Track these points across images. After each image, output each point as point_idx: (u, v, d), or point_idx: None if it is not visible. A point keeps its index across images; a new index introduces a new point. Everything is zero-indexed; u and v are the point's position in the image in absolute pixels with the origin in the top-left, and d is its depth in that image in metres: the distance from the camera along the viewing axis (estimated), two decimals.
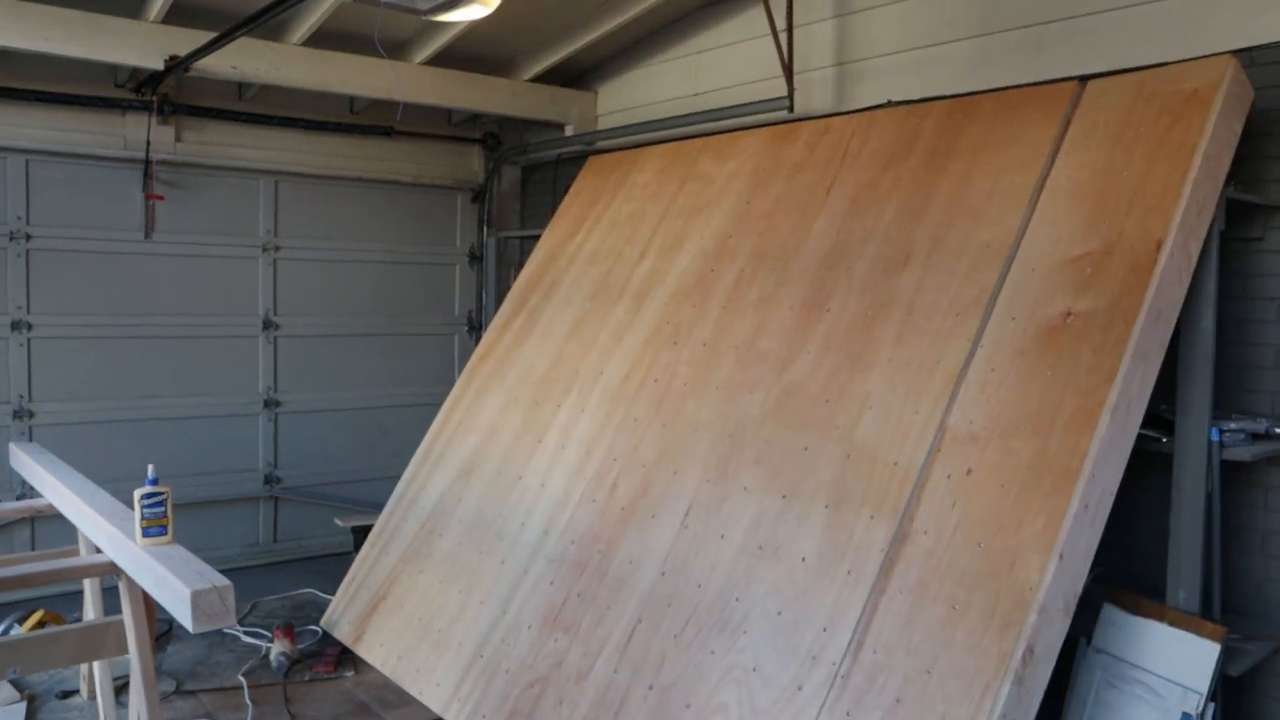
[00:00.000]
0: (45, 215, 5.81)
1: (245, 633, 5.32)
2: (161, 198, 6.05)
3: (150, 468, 3.19)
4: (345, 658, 4.96)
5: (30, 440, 5.79)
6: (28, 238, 5.76)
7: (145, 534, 3.14)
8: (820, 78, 5.24)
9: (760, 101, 5.25)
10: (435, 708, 4.31)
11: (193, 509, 6.29)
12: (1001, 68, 4.52)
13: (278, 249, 6.54)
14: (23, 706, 4.41)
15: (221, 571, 6.39)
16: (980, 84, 4.41)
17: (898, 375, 3.69)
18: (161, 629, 5.35)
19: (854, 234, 4.22)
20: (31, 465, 4.35)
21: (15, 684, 4.51)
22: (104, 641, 3.46)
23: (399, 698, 4.54)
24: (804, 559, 3.49)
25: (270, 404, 6.54)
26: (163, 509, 3.16)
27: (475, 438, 5.29)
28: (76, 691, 4.57)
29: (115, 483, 6.15)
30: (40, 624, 4.90)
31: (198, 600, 2.75)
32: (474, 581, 4.64)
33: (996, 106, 4.12)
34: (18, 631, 4.88)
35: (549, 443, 4.86)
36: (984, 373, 3.46)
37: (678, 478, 4.14)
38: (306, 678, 4.80)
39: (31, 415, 5.82)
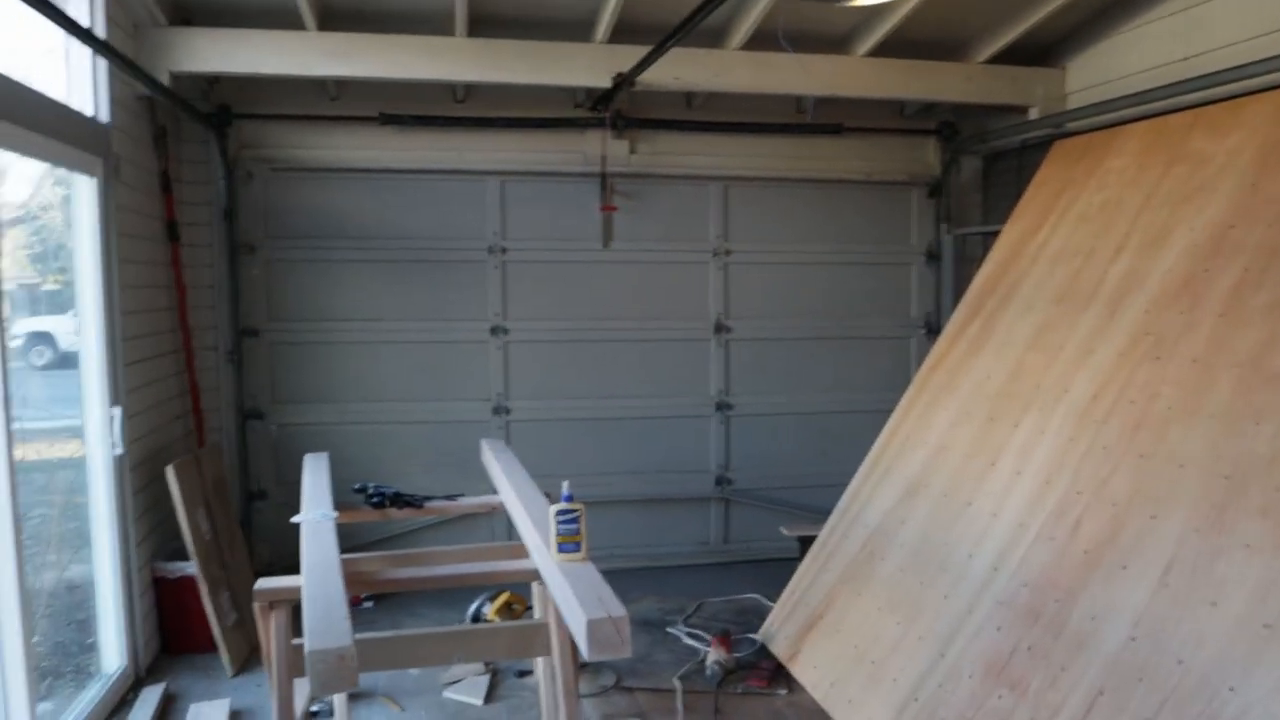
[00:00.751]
0: (517, 230, 6.21)
1: (687, 634, 5.29)
2: (616, 208, 6.22)
3: (565, 484, 3.13)
4: (779, 674, 4.72)
5: (506, 433, 6.23)
6: (503, 251, 6.19)
7: (560, 549, 3.08)
8: None
9: (1273, 58, 4.21)
10: None
11: (649, 505, 6.43)
12: None
13: (728, 253, 6.47)
14: (486, 679, 4.69)
15: (672, 568, 6.44)
16: None
17: None
18: None
19: None
20: (491, 463, 4.58)
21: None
22: (533, 642, 3.48)
23: None
24: None
25: (722, 406, 6.51)
26: (575, 526, 3.09)
27: (923, 454, 4.81)
28: (530, 672, 4.77)
29: (577, 476, 6.45)
30: (506, 605, 5.20)
31: (593, 630, 2.60)
32: (914, 613, 4.18)
33: None
34: (487, 610, 5.23)
35: (1003, 466, 4.26)
36: None
37: (1156, 523, 3.38)
38: (739, 690, 4.63)
39: (508, 411, 6.25)
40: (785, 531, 5.67)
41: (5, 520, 3.59)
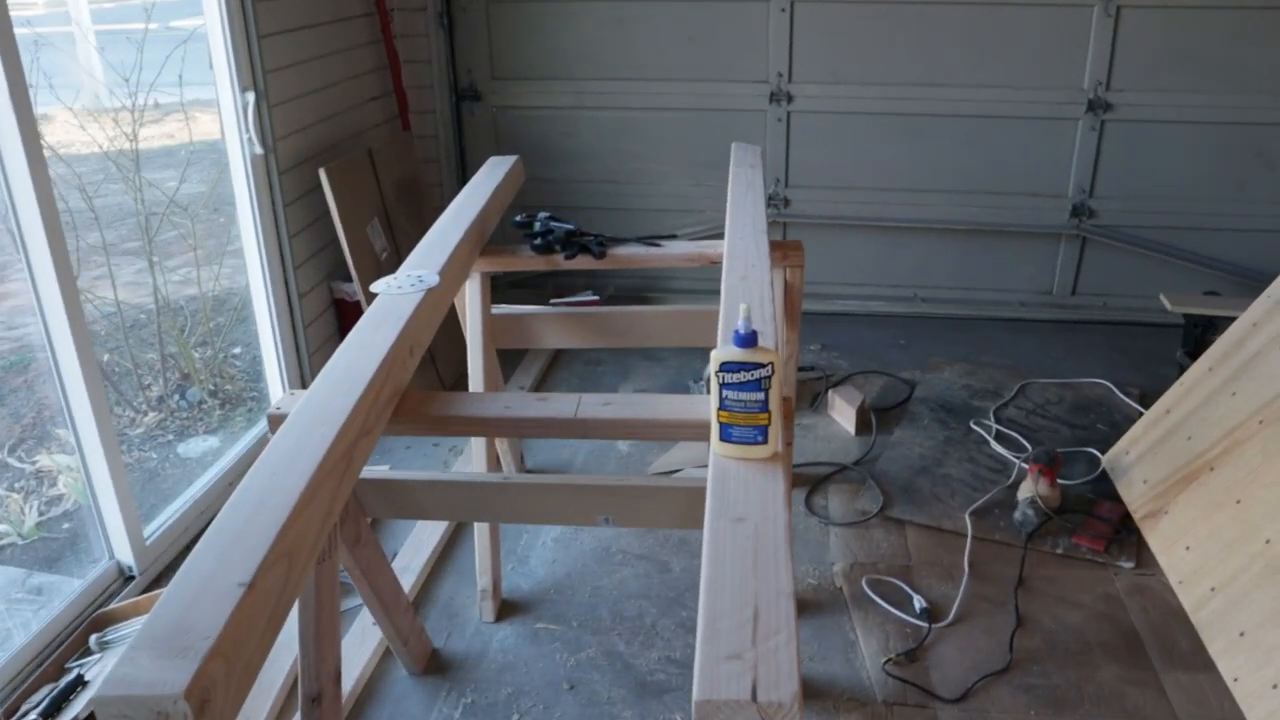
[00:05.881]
0: None
1: (998, 434, 3.66)
2: None
3: (742, 309, 1.52)
4: (1125, 533, 3.05)
5: (787, 127, 4.50)
6: None
7: (724, 435, 1.56)
8: None
9: None
10: None
11: (974, 236, 4.58)
12: None
13: None
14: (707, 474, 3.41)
15: (1000, 322, 4.69)
16: None
17: None
18: (902, 396, 3.94)
19: None
20: (730, 182, 3.02)
21: None
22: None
23: (1192, 653, 2.57)
24: None
25: (1096, 105, 4.33)
26: (759, 393, 1.52)
27: None
28: None
29: (879, 191, 4.65)
30: None
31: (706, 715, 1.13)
32: None
33: None
34: None
35: None
36: None
37: None
38: (1058, 549, 3.02)
39: (790, 99, 4.48)
40: (1169, 305, 3.70)
41: (34, 222, 2.53)
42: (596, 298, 4.44)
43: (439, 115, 4.57)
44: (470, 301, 2.82)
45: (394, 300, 2.17)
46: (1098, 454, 3.44)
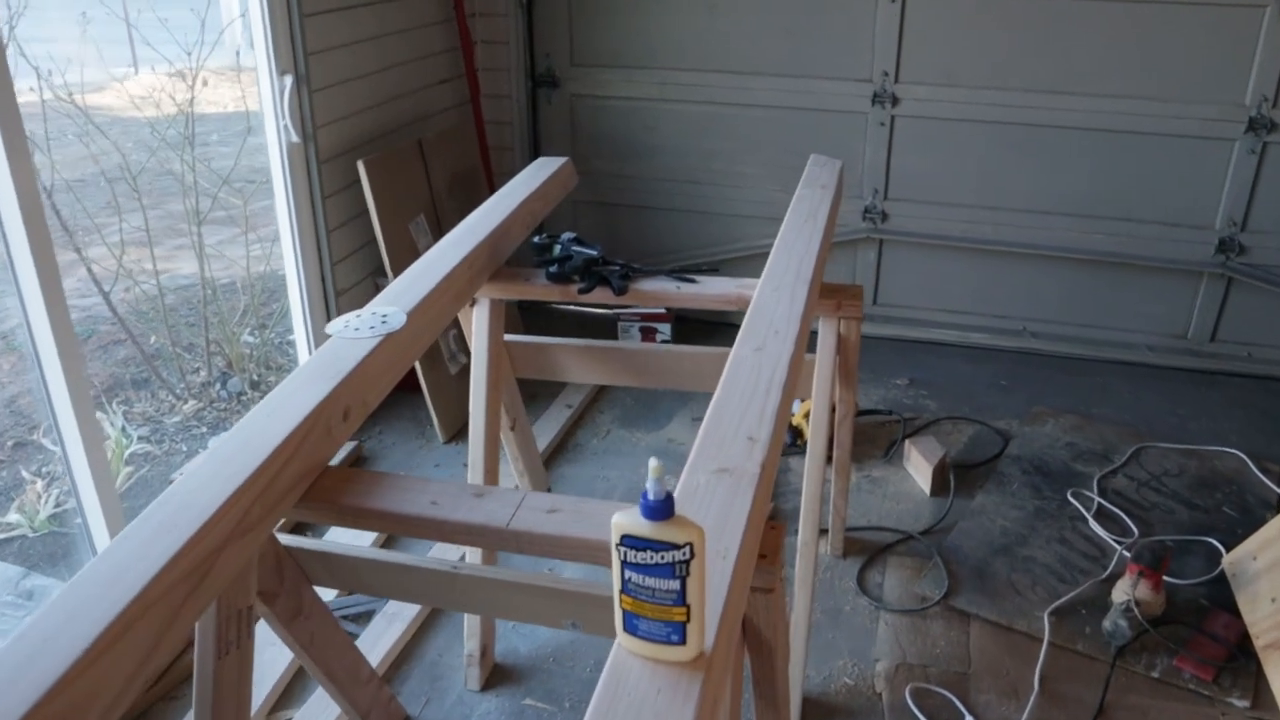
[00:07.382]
0: None
1: (1098, 510, 3.08)
2: None
3: (653, 467, 1.04)
4: (1242, 660, 2.47)
5: (889, 133, 3.95)
6: None
7: (628, 625, 1.11)
8: None
9: None
10: None
11: (1099, 268, 3.94)
12: None
13: None
14: None
15: (1121, 367, 4.08)
16: None
17: None
18: (992, 451, 3.40)
19: None
20: (791, 204, 2.54)
21: None
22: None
23: None
24: None
25: (1259, 125, 3.62)
26: (672, 581, 1.03)
27: None
28: None
29: (990, 210, 4.10)
30: (806, 415, 3.32)
31: None
32: None
33: None
34: (796, 408, 3.37)
35: None
36: None
37: None
38: (1155, 671, 2.47)
39: (894, 101, 3.92)
40: None
41: (14, 217, 2.26)
42: (665, 310, 4.02)
43: (514, 101, 4.20)
44: (477, 331, 2.45)
45: (343, 346, 1.82)
46: (1220, 547, 2.84)
